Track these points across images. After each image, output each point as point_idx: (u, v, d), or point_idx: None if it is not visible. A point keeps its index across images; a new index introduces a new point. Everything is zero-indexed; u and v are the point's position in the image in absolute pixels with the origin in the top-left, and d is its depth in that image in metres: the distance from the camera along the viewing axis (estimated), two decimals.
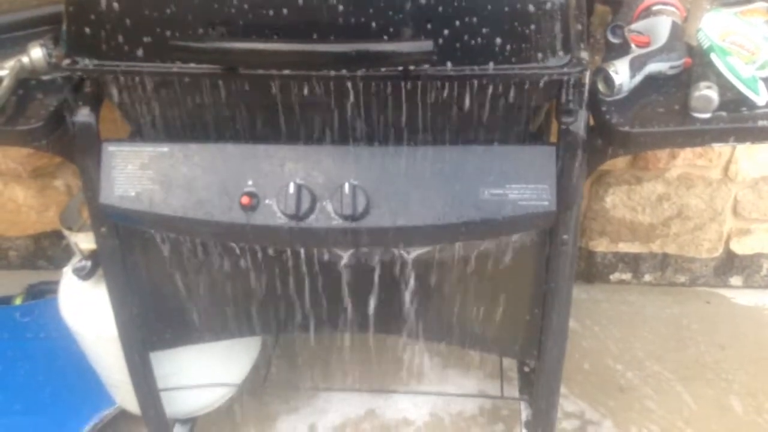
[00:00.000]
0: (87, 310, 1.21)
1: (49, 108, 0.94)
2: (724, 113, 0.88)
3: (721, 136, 0.89)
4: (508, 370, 1.62)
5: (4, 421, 1.46)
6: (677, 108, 0.90)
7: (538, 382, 1.19)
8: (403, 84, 0.87)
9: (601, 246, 1.81)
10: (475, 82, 0.87)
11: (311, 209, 0.95)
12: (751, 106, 0.89)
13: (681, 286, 1.87)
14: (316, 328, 1.12)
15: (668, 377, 1.64)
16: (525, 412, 1.41)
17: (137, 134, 1.00)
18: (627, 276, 1.87)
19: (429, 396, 1.60)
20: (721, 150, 1.60)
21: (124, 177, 0.96)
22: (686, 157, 1.62)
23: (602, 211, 1.74)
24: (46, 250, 1.89)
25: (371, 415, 1.57)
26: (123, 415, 1.45)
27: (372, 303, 1.09)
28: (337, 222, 0.95)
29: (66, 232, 1.16)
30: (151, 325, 1.14)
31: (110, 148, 0.97)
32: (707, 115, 0.88)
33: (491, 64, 0.85)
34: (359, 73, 0.85)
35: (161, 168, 0.96)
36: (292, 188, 0.94)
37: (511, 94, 0.88)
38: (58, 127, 0.95)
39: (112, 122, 1.04)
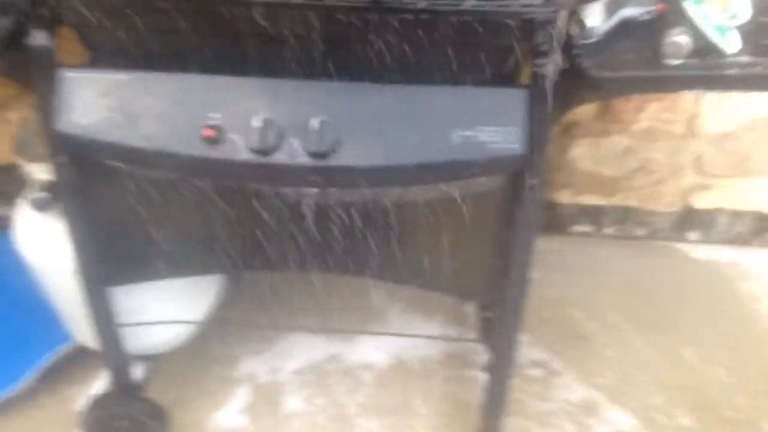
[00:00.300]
0: (44, 242, 1.18)
1: (2, 29, 0.90)
2: (694, 60, 0.88)
3: (691, 83, 0.90)
4: (470, 315, 1.64)
5: None
6: (649, 54, 0.90)
7: (500, 326, 1.20)
8: (374, 17, 0.85)
9: (564, 198, 1.82)
10: (448, 18, 0.85)
11: (277, 145, 0.93)
12: (722, 54, 0.89)
13: (640, 239, 1.90)
14: (278, 266, 1.11)
15: (625, 327, 1.68)
16: (485, 356, 1.43)
17: (96, 60, 0.96)
18: (588, 228, 1.90)
19: (392, 341, 1.61)
20: (686, 105, 1.61)
21: (82, 105, 0.93)
22: (653, 111, 1.63)
23: (567, 163, 1.75)
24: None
25: (334, 359, 1.58)
26: (81, 351, 1.43)
27: (336, 243, 1.08)
28: (303, 159, 0.93)
29: (21, 162, 1.13)
30: (110, 259, 1.12)
31: (68, 74, 0.93)
32: (678, 62, 0.88)
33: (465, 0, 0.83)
34: (329, 2, 0.82)
35: (121, 96, 0.93)
36: (257, 122, 0.92)
37: (485, 32, 0.87)
38: (12, 50, 0.90)
39: (71, 44, 0.99)
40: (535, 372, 1.58)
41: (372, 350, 1.60)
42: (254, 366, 1.56)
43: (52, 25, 0.91)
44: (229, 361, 1.56)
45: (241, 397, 1.50)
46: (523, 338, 1.27)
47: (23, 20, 0.90)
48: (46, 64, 0.92)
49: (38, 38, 0.90)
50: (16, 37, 0.90)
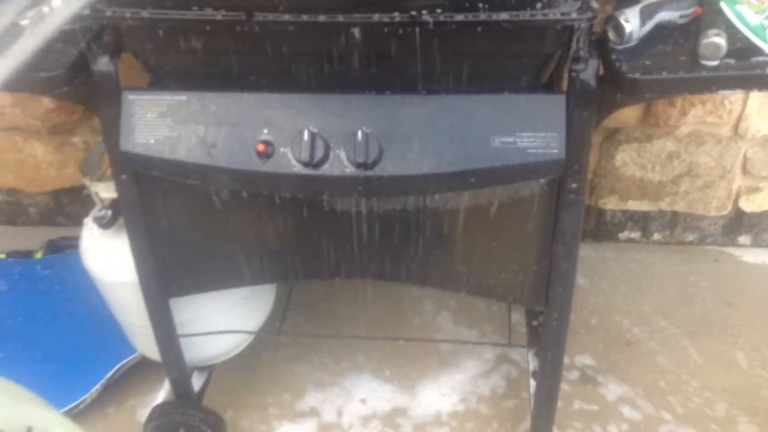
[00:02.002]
0: (108, 257, 1.24)
1: (70, 56, 0.96)
2: (732, 61, 0.89)
3: (729, 83, 0.90)
4: (517, 324, 1.65)
5: (25, 368, 1.51)
6: (686, 56, 0.91)
7: (546, 331, 1.21)
8: (414, 30, 0.88)
9: (610, 204, 1.82)
10: (487, 28, 0.88)
11: (325, 157, 0.97)
12: (759, 53, 0.90)
13: (689, 245, 1.88)
14: (331, 274, 1.15)
15: (675, 332, 1.66)
16: (533, 363, 1.44)
17: (156, 83, 1.02)
18: (636, 234, 1.89)
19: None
20: (731, 107, 1.61)
21: (144, 125, 0.99)
22: (697, 114, 1.63)
23: (612, 169, 1.75)
24: (65, 207, 1.93)
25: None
26: (143, 362, 1.50)
27: (384, 251, 1.11)
28: (350, 170, 0.97)
29: (86, 182, 1.19)
30: (170, 272, 1.17)
31: (130, 97, 0.99)
32: (715, 63, 0.89)
33: (503, 10, 0.86)
34: (372, 18, 0.86)
35: (179, 116, 0.99)
36: (306, 136, 0.96)
37: (522, 40, 0.90)
38: (79, 76, 0.97)
39: (132, 69, 1.05)
40: (579, 377, 1.58)
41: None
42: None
43: (114, 51, 0.97)
44: (294, 388, 1.57)
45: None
46: (570, 345, 1.26)
47: (88, 48, 0.97)
48: (109, 88, 0.98)
49: (102, 64, 0.96)
50: (82, 64, 0.97)
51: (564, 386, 1.50)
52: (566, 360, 1.41)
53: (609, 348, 1.63)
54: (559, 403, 1.34)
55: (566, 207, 1.03)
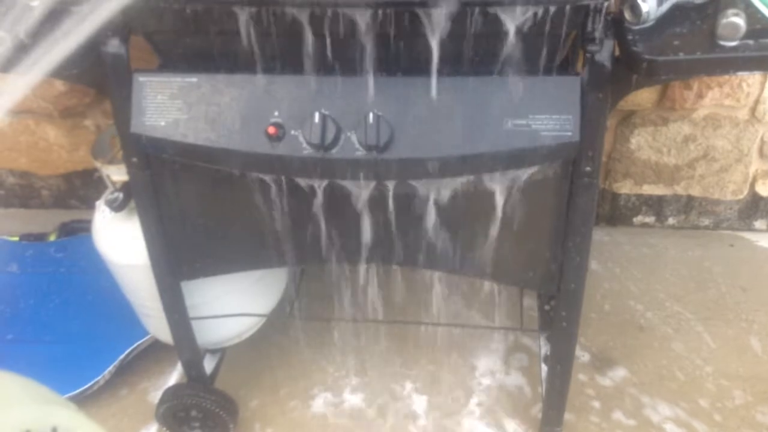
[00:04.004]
0: (120, 240, 1.24)
1: (79, 39, 0.95)
2: (750, 41, 0.87)
3: (747, 64, 0.88)
4: (529, 309, 1.64)
5: (38, 350, 1.53)
6: (703, 36, 0.89)
7: (558, 317, 1.21)
8: (426, 11, 0.87)
9: (625, 188, 1.81)
10: (500, 8, 0.87)
11: (336, 140, 0.96)
12: None
13: (705, 229, 1.87)
14: (342, 259, 1.15)
15: (688, 317, 1.65)
16: (544, 348, 1.43)
17: (167, 65, 1.01)
18: (650, 219, 1.87)
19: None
20: (749, 90, 1.58)
21: (154, 107, 0.99)
22: (714, 97, 1.60)
23: (627, 152, 1.73)
24: (78, 190, 1.94)
25: None
26: (156, 344, 1.50)
27: (395, 235, 1.11)
28: (360, 152, 0.97)
29: (98, 164, 1.19)
30: (182, 255, 1.17)
31: (140, 79, 0.99)
32: (734, 43, 0.87)
33: None
34: None
35: (190, 98, 0.98)
36: (317, 119, 0.95)
37: (537, 20, 0.88)
38: (89, 58, 0.96)
39: (142, 52, 1.05)
40: (592, 362, 1.57)
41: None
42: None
43: (124, 33, 0.96)
44: (291, 355, 1.59)
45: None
46: (582, 330, 1.25)
47: (97, 30, 0.96)
48: (120, 70, 0.97)
49: (112, 46, 0.96)
50: (92, 46, 0.96)
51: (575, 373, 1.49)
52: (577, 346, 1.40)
53: (622, 333, 1.62)
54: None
55: (580, 191, 1.02)
